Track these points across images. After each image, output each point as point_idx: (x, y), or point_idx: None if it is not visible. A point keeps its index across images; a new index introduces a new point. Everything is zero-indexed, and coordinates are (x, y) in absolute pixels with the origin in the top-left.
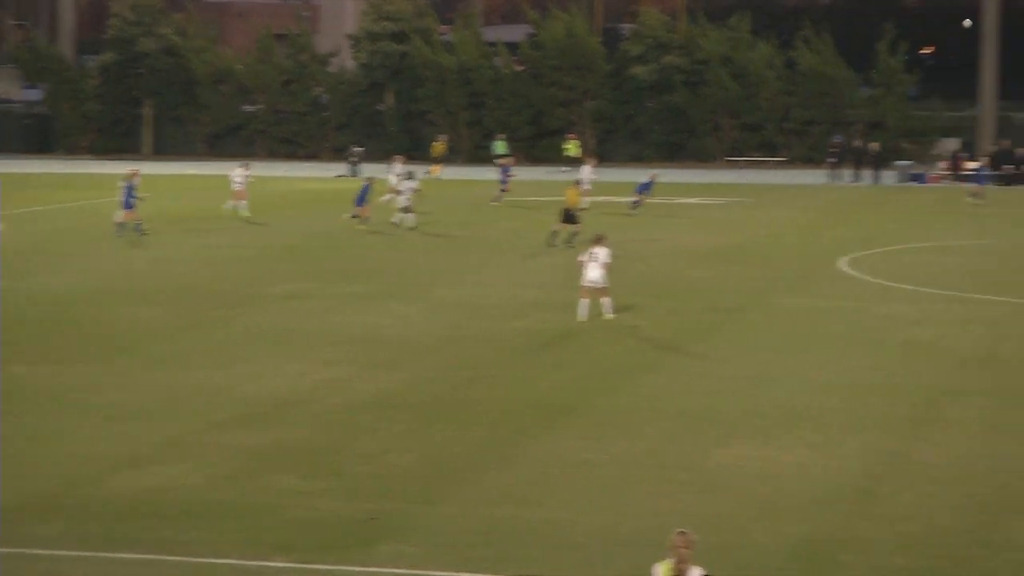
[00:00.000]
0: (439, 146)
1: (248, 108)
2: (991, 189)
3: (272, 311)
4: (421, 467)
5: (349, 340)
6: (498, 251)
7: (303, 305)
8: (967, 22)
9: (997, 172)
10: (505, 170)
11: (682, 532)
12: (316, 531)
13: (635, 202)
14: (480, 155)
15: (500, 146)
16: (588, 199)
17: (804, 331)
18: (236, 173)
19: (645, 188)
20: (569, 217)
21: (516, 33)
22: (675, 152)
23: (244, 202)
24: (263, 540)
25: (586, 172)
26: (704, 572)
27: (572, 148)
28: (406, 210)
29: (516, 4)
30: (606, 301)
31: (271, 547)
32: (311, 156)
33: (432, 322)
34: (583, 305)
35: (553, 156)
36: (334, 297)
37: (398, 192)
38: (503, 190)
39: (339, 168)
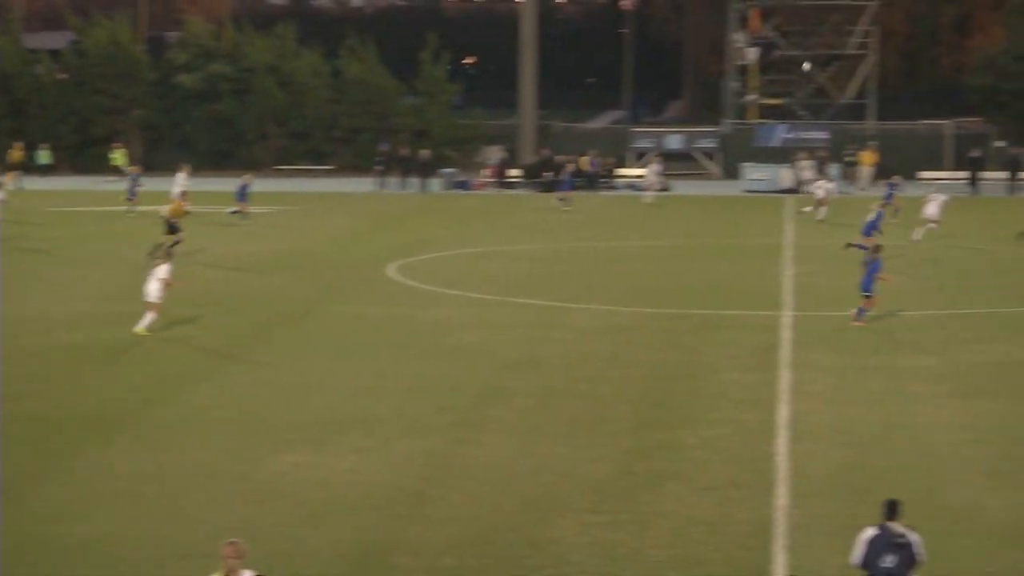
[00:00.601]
0: (15, 153)
1: None
2: (535, 196)
3: None
4: None
5: None
6: (57, 263)
7: None
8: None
9: (537, 179)
10: (134, 178)
11: (232, 542)
12: None
13: (236, 211)
14: (22, 165)
15: (43, 156)
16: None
17: (356, 338)
18: None
19: (242, 194)
20: (172, 228)
21: (59, 40)
22: (223, 160)
23: None
24: None
25: (180, 180)
26: (256, 575)
27: (119, 157)
28: None
29: (58, 10)
30: (148, 315)
31: None
32: None
33: None
34: (145, 318)
35: (99, 165)
36: None
37: None
38: (130, 199)
39: None
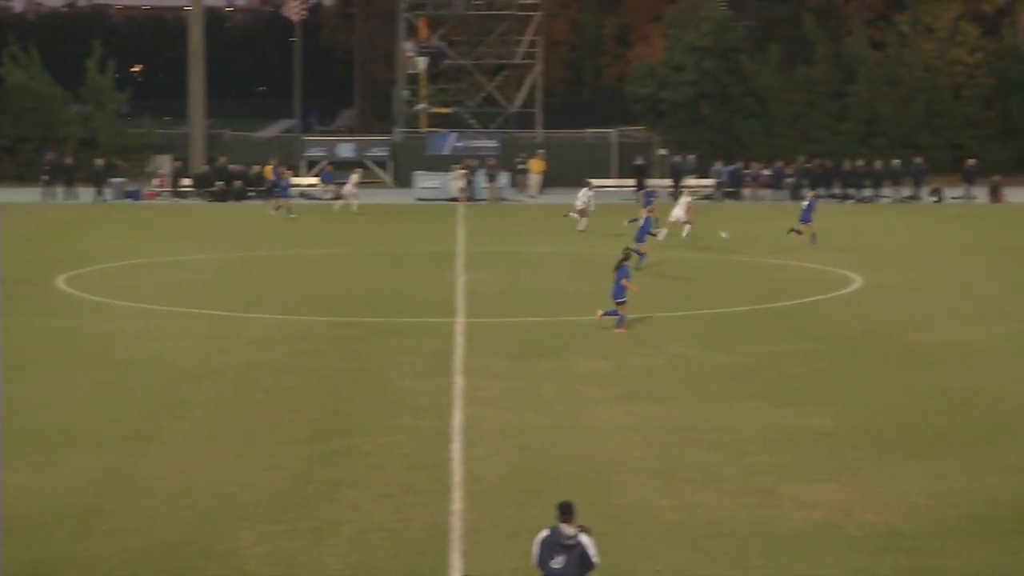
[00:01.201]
0: None
1: None
2: (207, 206)
3: None
4: None
5: None
6: None
7: None
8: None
9: (209, 189)
10: None
11: None
12: None
13: None
14: None
15: None
16: None
17: (26, 351)
18: None
19: None
20: None
21: None
22: None
23: None
24: None
25: None
26: None
27: None
28: None
29: None
30: None
31: None
32: None
33: None
34: None
35: None
36: None
37: None
38: None
39: None
